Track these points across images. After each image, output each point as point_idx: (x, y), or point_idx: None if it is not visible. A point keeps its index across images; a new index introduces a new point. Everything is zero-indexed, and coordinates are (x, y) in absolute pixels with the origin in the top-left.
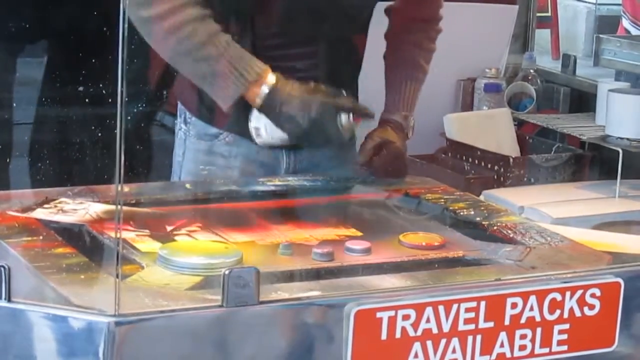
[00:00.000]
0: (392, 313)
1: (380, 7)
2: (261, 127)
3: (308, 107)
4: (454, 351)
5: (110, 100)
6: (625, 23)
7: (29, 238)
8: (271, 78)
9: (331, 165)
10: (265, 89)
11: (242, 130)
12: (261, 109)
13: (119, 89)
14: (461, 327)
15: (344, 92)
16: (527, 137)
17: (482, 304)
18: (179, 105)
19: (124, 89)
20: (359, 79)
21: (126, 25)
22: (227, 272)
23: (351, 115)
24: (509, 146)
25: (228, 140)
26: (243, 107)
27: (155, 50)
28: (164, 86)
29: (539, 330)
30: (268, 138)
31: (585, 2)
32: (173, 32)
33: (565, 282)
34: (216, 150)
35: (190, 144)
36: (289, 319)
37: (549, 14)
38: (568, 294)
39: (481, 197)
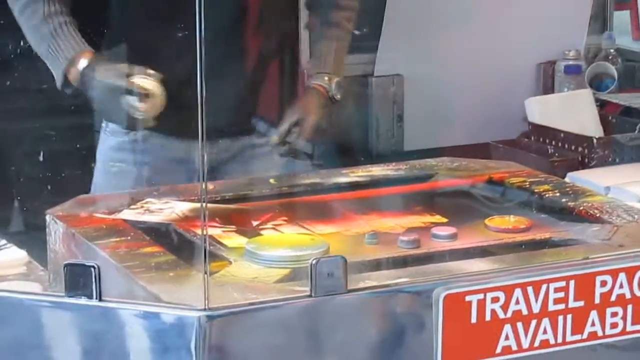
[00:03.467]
0: (481, 296)
1: None
2: None
3: (96, 83)
4: (544, 332)
5: None
6: None
7: (117, 239)
8: (84, 60)
9: (249, 158)
10: (79, 68)
11: (153, 125)
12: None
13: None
14: (551, 307)
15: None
16: (610, 117)
17: (571, 283)
18: None
19: None
20: None
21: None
22: (314, 262)
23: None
24: (592, 127)
25: (137, 136)
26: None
27: None
28: None
29: (629, 307)
30: None
31: None
32: (21, 13)
33: None
34: (126, 146)
35: (104, 141)
36: (377, 307)
37: None
38: None
39: (566, 180)
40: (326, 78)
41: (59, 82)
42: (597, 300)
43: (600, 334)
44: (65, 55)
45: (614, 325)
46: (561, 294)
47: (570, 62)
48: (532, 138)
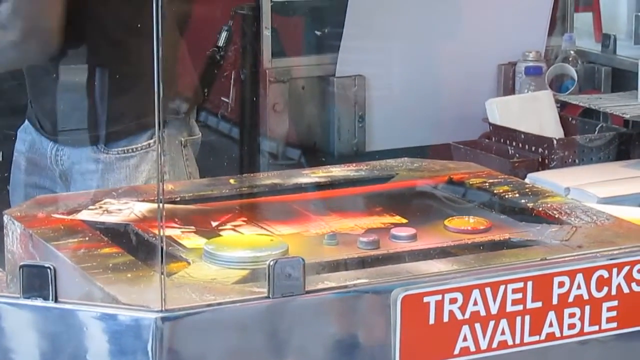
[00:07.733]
0: (439, 297)
1: None
2: None
3: None
4: (502, 333)
5: None
6: None
7: (75, 239)
8: None
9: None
10: None
11: (29, 117)
12: None
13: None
14: (509, 308)
15: None
16: (570, 119)
17: (529, 284)
18: None
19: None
20: None
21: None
22: (272, 263)
23: None
24: (552, 128)
25: (23, 126)
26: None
27: None
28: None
29: (587, 308)
30: None
31: None
32: None
33: (611, 259)
34: (19, 136)
35: None
36: (336, 308)
37: None
38: (615, 270)
39: (526, 180)
40: None
41: None
42: (554, 301)
43: (557, 334)
44: None
45: (571, 326)
46: (519, 295)
47: (531, 64)
48: (493, 139)
